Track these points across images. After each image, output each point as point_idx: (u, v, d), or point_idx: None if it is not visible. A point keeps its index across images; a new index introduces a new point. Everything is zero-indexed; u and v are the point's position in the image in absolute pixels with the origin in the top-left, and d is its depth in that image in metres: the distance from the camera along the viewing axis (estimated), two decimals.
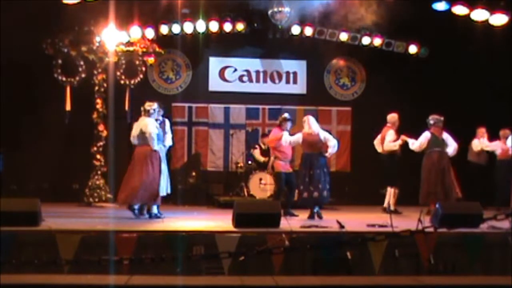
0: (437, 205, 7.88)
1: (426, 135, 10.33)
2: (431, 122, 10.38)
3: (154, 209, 9.45)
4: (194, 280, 5.00)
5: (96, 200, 11.87)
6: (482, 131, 12.11)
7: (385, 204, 10.83)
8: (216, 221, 8.85)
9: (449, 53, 12.79)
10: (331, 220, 8.55)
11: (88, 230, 7.38)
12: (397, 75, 13.27)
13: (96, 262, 5.31)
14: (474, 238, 7.48)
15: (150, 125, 9.34)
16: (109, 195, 11.90)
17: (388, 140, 10.79)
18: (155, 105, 9.53)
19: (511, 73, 11.79)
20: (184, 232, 7.51)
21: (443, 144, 10.28)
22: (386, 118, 11.10)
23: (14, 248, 6.79)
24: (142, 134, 9.34)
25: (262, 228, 7.42)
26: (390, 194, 10.87)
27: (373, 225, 8.28)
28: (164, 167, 9.54)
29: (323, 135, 9.77)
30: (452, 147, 10.29)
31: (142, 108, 9.59)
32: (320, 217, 9.49)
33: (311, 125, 9.81)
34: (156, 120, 9.55)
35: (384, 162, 10.99)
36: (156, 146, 9.33)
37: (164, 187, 9.53)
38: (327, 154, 9.75)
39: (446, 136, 10.33)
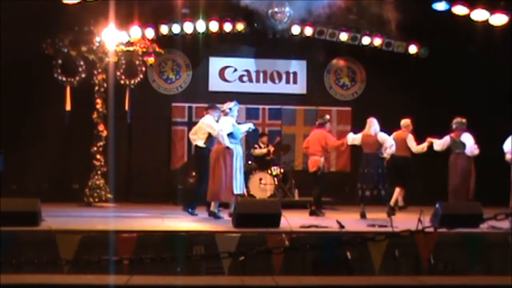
0: (437, 205, 7.89)
1: (446, 139, 10.51)
2: (453, 126, 10.50)
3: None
4: (194, 280, 4.99)
5: (96, 200, 11.87)
6: None
7: (398, 203, 10.99)
8: (216, 221, 8.86)
9: (449, 53, 12.79)
10: (331, 220, 8.55)
11: (88, 230, 7.37)
12: (397, 75, 13.28)
13: (96, 262, 5.31)
14: (474, 238, 7.47)
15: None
16: (109, 195, 11.92)
17: (413, 146, 10.93)
18: (231, 104, 9.54)
19: (511, 73, 11.79)
20: (184, 232, 7.51)
21: (460, 146, 10.34)
22: (400, 123, 11.13)
23: (14, 248, 6.77)
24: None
25: (262, 228, 7.42)
26: (398, 192, 11.00)
27: (373, 225, 8.29)
28: (237, 164, 9.40)
29: (380, 136, 9.97)
30: (467, 147, 10.32)
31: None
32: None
33: (371, 127, 10.02)
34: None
35: (399, 162, 11.05)
36: (227, 143, 9.28)
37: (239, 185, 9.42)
38: (385, 155, 9.94)
39: (464, 137, 10.33)
